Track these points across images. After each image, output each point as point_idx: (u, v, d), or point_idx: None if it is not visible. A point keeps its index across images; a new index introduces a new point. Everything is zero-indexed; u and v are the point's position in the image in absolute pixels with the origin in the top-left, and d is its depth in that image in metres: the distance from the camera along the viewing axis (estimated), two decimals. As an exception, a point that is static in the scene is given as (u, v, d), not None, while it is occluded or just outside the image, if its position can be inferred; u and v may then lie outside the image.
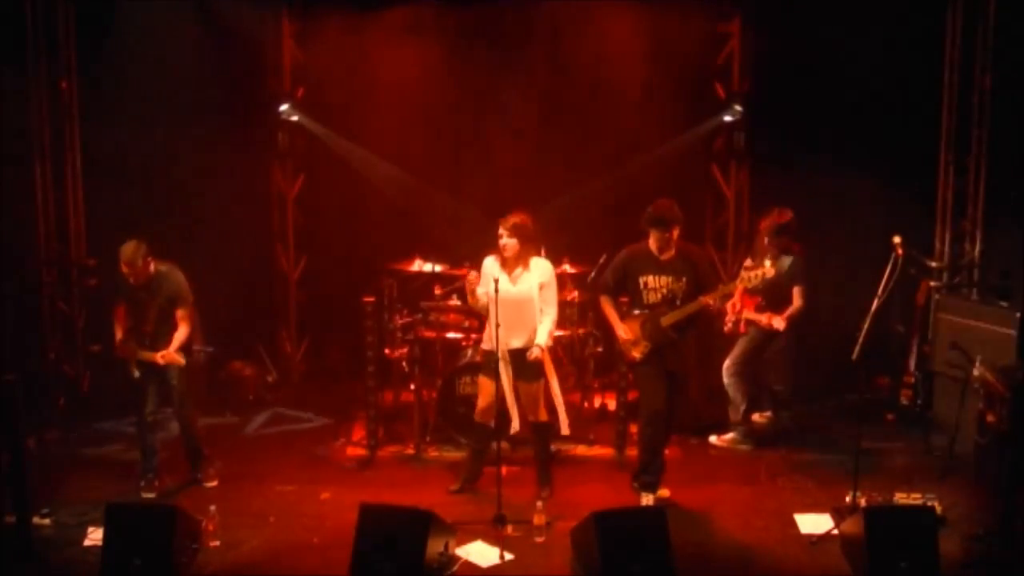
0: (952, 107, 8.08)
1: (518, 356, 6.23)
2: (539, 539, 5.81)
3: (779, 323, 7.17)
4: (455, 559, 5.57)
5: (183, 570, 5.35)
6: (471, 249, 6.44)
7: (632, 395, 7.08)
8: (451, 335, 7.49)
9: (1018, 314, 6.76)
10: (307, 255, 9.66)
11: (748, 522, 6.16)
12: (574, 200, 8.87)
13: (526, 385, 6.27)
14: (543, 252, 7.64)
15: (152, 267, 6.37)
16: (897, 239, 5.97)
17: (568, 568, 5.55)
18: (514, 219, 6.18)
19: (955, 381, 7.03)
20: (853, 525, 5.46)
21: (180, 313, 6.51)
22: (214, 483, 6.73)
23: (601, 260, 7.41)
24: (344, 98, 9.21)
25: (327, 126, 9.18)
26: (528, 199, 8.17)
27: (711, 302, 6.19)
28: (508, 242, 6.16)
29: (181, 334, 6.49)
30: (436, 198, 8.94)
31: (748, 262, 7.60)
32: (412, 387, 7.56)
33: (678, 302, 6.16)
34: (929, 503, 5.97)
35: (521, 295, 6.17)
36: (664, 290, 6.17)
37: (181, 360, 6.43)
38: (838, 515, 6.03)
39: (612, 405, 7.61)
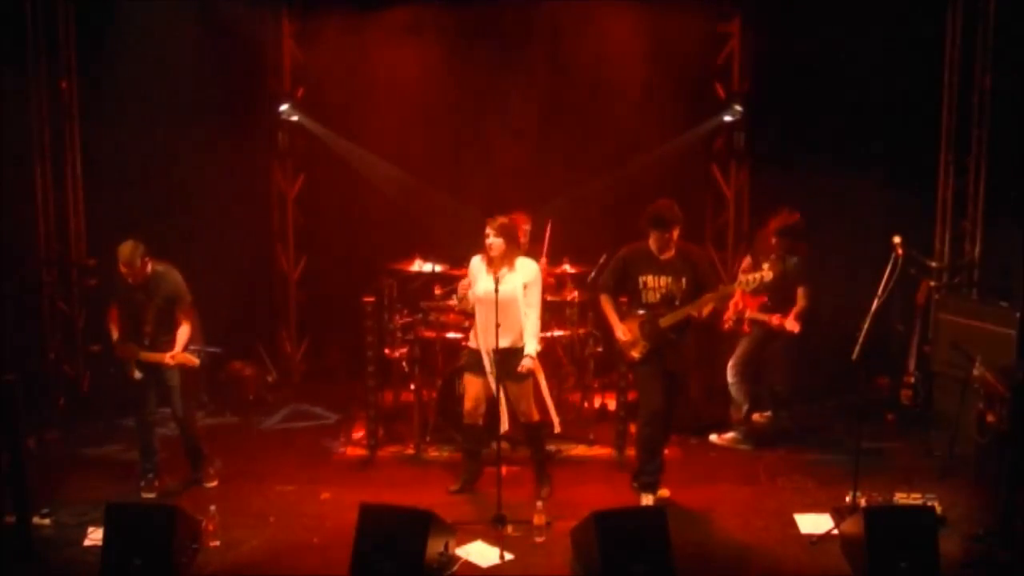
0: (952, 107, 8.08)
1: (503, 355, 6.22)
2: (539, 539, 5.81)
3: (792, 325, 7.18)
4: (455, 559, 5.57)
5: (183, 570, 5.35)
6: (471, 249, 6.43)
7: (632, 395, 7.08)
8: (451, 335, 7.49)
9: (1018, 314, 6.75)
10: (307, 255, 9.66)
11: (748, 522, 6.16)
12: (574, 200, 8.86)
13: (513, 384, 6.27)
14: (545, 252, 7.69)
15: (149, 267, 6.37)
16: (897, 239, 5.97)
17: (568, 568, 5.55)
18: (502, 219, 6.22)
19: (955, 381, 7.03)
20: (853, 525, 5.46)
21: (180, 313, 6.51)
22: (214, 483, 6.74)
23: (601, 260, 7.42)
24: (344, 98, 9.21)
25: (327, 126, 9.18)
26: (528, 199, 8.23)
27: (706, 312, 6.23)
28: (494, 241, 6.18)
29: (184, 334, 6.49)
30: (436, 198, 8.93)
31: (747, 261, 7.62)
32: (412, 387, 7.56)
33: (677, 302, 6.16)
34: (929, 503, 5.96)
35: (506, 295, 6.17)
36: (663, 290, 6.17)
37: (194, 360, 6.44)
38: (838, 515, 6.03)
39: (612, 405, 7.61)
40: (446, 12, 8.88)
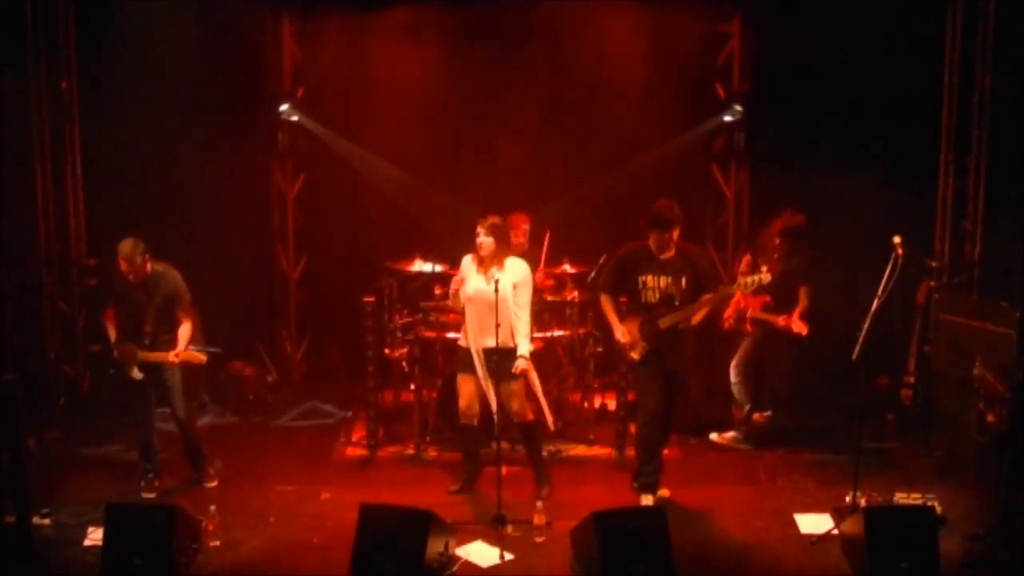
0: (952, 107, 8.07)
1: (492, 355, 6.23)
2: (539, 539, 5.81)
3: (800, 327, 7.18)
4: (455, 559, 5.57)
5: (183, 570, 5.35)
6: (471, 249, 6.44)
7: (632, 395, 7.08)
8: (451, 335, 7.47)
9: (1018, 314, 6.75)
10: (307, 255, 9.66)
11: (748, 522, 6.17)
12: (574, 200, 8.87)
13: (504, 384, 6.27)
14: (543, 259, 7.68)
15: (149, 266, 6.37)
16: (897, 239, 5.97)
17: (568, 568, 5.55)
18: (492, 219, 6.23)
19: (955, 381, 7.02)
20: (853, 525, 5.47)
21: (180, 312, 6.51)
22: (214, 483, 6.74)
23: (601, 260, 7.42)
24: (344, 98, 9.21)
25: (327, 126, 9.18)
26: (528, 199, 8.23)
27: (699, 317, 6.23)
28: (484, 241, 6.19)
29: (185, 332, 6.49)
30: (436, 198, 8.93)
31: (747, 259, 7.63)
32: (412, 387, 7.56)
33: (677, 302, 6.16)
34: (929, 503, 5.97)
35: (494, 294, 6.17)
36: (663, 290, 6.17)
37: (200, 356, 6.44)
38: (838, 515, 6.03)
39: (612, 405, 7.61)
40: (446, 12, 8.88)
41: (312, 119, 9.18)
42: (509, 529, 5.89)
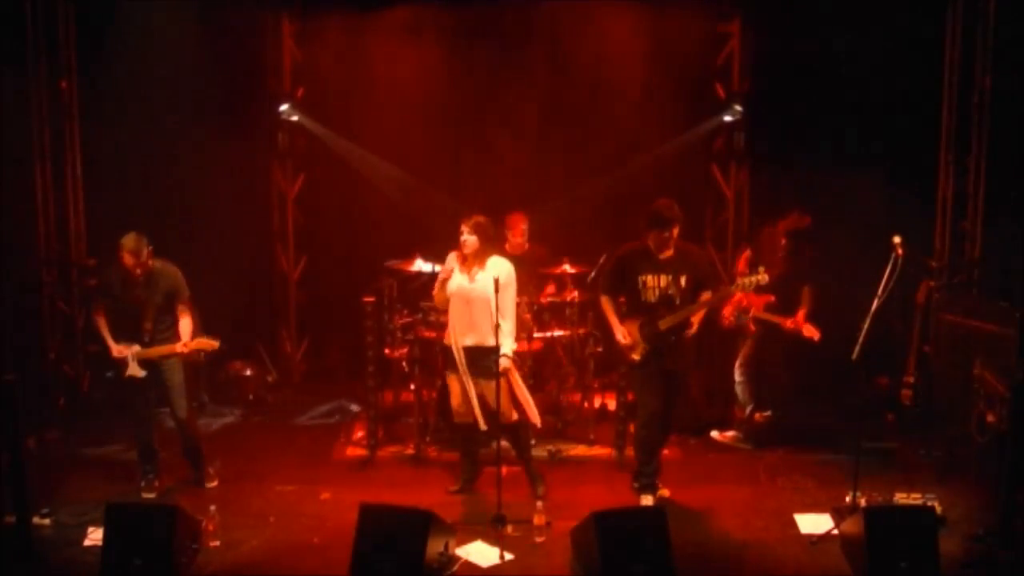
0: (952, 107, 8.07)
1: (471, 354, 6.24)
2: (539, 539, 5.81)
3: (811, 331, 7.17)
4: (455, 559, 5.57)
5: (183, 570, 5.35)
6: (457, 247, 6.45)
7: (632, 395, 7.07)
8: (451, 335, 7.48)
9: (1018, 314, 6.75)
10: (307, 255, 9.66)
11: (748, 522, 6.17)
12: (574, 200, 8.87)
13: (487, 383, 6.26)
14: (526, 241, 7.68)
15: (150, 262, 6.38)
16: (897, 239, 5.97)
17: (568, 568, 5.55)
18: (477, 218, 6.25)
19: (955, 381, 7.02)
20: (853, 525, 5.47)
21: (181, 307, 6.54)
22: (214, 483, 6.74)
23: (601, 260, 7.42)
24: (344, 98, 9.21)
25: (327, 126, 9.18)
26: (528, 199, 8.23)
27: (700, 317, 6.23)
28: (468, 239, 6.20)
29: (187, 325, 6.51)
30: (436, 198, 8.93)
31: (748, 255, 7.63)
32: (412, 387, 7.56)
33: (677, 301, 6.16)
34: (929, 503, 5.97)
35: (476, 293, 6.19)
36: (662, 289, 6.17)
37: (213, 343, 6.45)
38: (838, 515, 6.03)
39: (612, 405, 7.61)
40: (446, 12, 8.88)
41: (312, 119, 9.18)
42: (509, 529, 5.89)
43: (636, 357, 6.26)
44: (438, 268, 7.53)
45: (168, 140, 8.45)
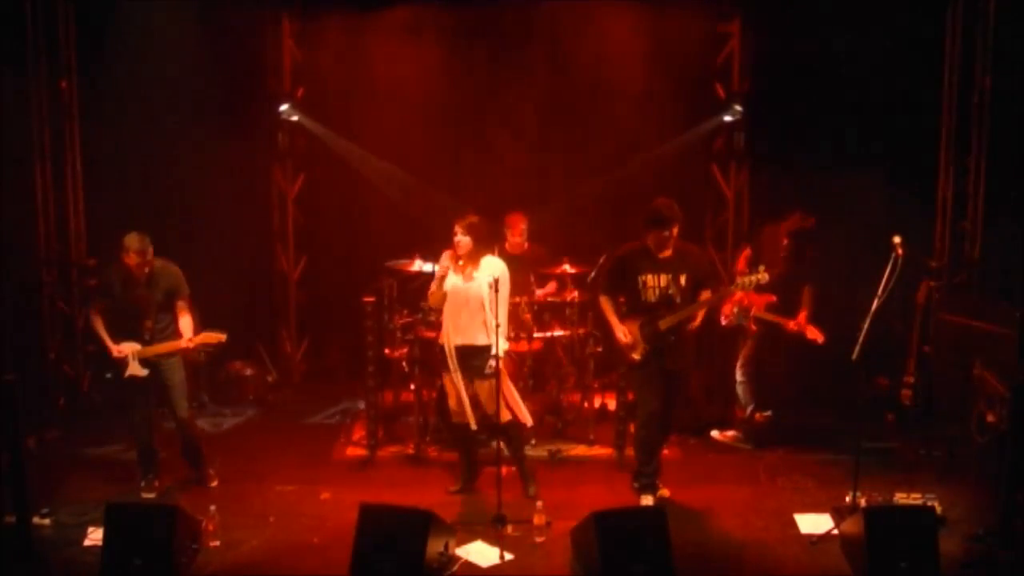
0: (952, 107, 8.08)
1: (463, 352, 6.26)
2: (539, 539, 5.81)
3: (815, 334, 7.17)
4: (455, 559, 5.57)
5: (183, 570, 5.35)
6: (451, 246, 6.45)
7: (632, 395, 7.07)
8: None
9: (1018, 314, 6.75)
10: (307, 255, 9.66)
11: (748, 522, 6.16)
12: (574, 200, 8.87)
13: (479, 383, 6.28)
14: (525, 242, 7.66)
15: (153, 261, 6.40)
16: (897, 239, 5.97)
17: (568, 568, 5.55)
18: (471, 218, 6.26)
19: (955, 381, 7.02)
20: (853, 525, 5.46)
21: (181, 304, 6.56)
22: (214, 483, 6.74)
23: (601, 260, 7.42)
24: (344, 98, 9.22)
25: (327, 126, 9.19)
26: (528, 199, 8.23)
27: (702, 313, 6.23)
28: (462, 240, 6.22)
29: (188, 323, 6.53)
30: (436, 198, 8.93)
31: (748, 253, 7.63)
32: (412, 387, 7.56)
33: (677, 300, 6.16)
34: (929, 503, 5.97)
35: (470, 293, 6.22)
36: (662, 288, 6.17)
37: (220, 336, 6.46)
38: (838, 515, 6.03)
39: (612, 405, 7.61)
40: (446, 12, 8.89)
41: (312, 119, 9.19)
42: (509, 529, 5.89)
43: (636, 357, 6.26)
44: (436, 268, 7.56)
45: (168, 140, 8.46)
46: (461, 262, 6.28)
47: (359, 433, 7.76)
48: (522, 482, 6.52)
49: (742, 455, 7.41)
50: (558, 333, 7.60)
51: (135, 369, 6.45)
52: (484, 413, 6.36)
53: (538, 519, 5.91)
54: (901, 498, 6.17)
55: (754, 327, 7.52)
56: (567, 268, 7.72)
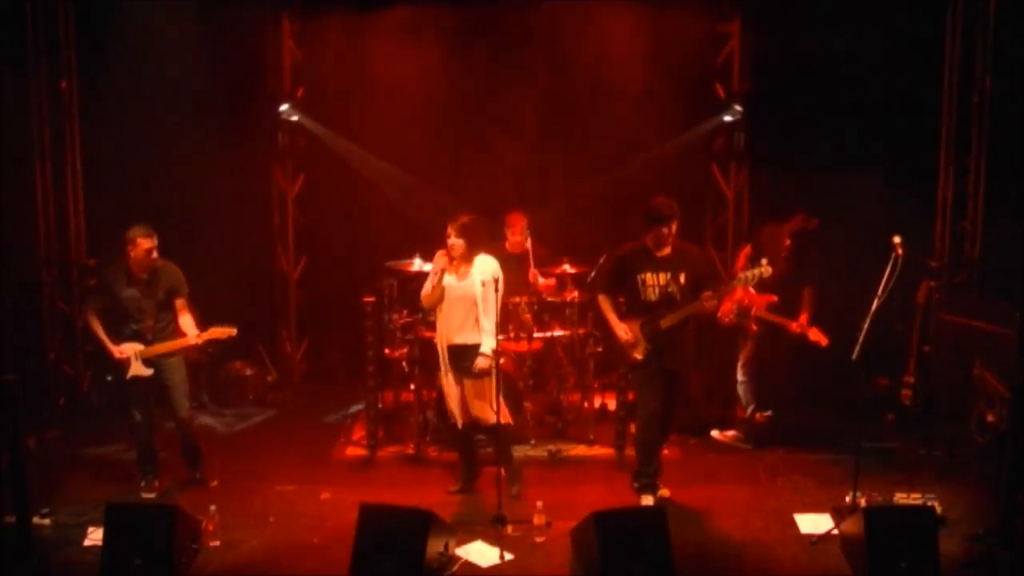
0: (952, 107, 8.08)
1: (456, 351, 6.28)
2: (539, 539, 5.81)
3: (818, 336, 7.16)
4: (455, 559, 5.57)
5: (183, 570, 5.35)
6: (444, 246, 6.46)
7: (632, 395, 7.07)
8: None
9: (1018, 314, 6.75)
10: (307, 255, 9.66)
11: (748, 522, 6.16)
12: (574, 200, 8.87)
13: (469, 382, 6.29)
14: (531, 262, 7.63)
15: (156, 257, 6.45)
16: (897, 239, 5.97)
17: (568, 568, 5.55)
18: (463, 219, 6.26)
19: (955, 381, 7.02)
20: (853, 525, 5.46)
21: (181, 303, 6.58)
22: (213, 483, 6.74)
23: (601, 260, 7.42)
24: (344, 98, 9.22)
25: (327, 126, 9.19)
26: (528, 199, 8.22)
27: (712, 303, 6.20)
28: (456, 242, 6.24)
29: (190, 321, 6.55)
30: (436, 198, 8.93)
31: (747, 250, 7.63)
32: (412, 387, 7.56)
33: (678, 298, 6.16)
34: (929, 503, 5.97)
35: (464, 292, 6.23)
36: (662, 287, 6.17)
37: (231, 330, 6.47)
38: (838, 515, 6.03)
39: (612, 405, 7.61)
40: (446, 12, 8.88)
41: (312, 119, 9.19)
42: (509, 529, 5.89)
43: (638, 356, 6.26)
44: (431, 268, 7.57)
45: (168, 140, 8.46)
46: (454, 262, 6.29)
47: (359, 433, 7.76)
48: (507, 481, 6.52)
49: (742, 455, 7.41)
50: (558, 333, 7.60)
51: (138, 369, 6.45)
52: (470, 413, 6.37)
53: (538, 519, 5.91)
54: (901, 498, 6.17)
55: (755, 327, 7.52)
56: (567, 268, 7.71)
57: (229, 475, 6.87)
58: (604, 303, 6.42)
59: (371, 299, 7.34)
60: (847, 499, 6.09)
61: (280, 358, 9.56)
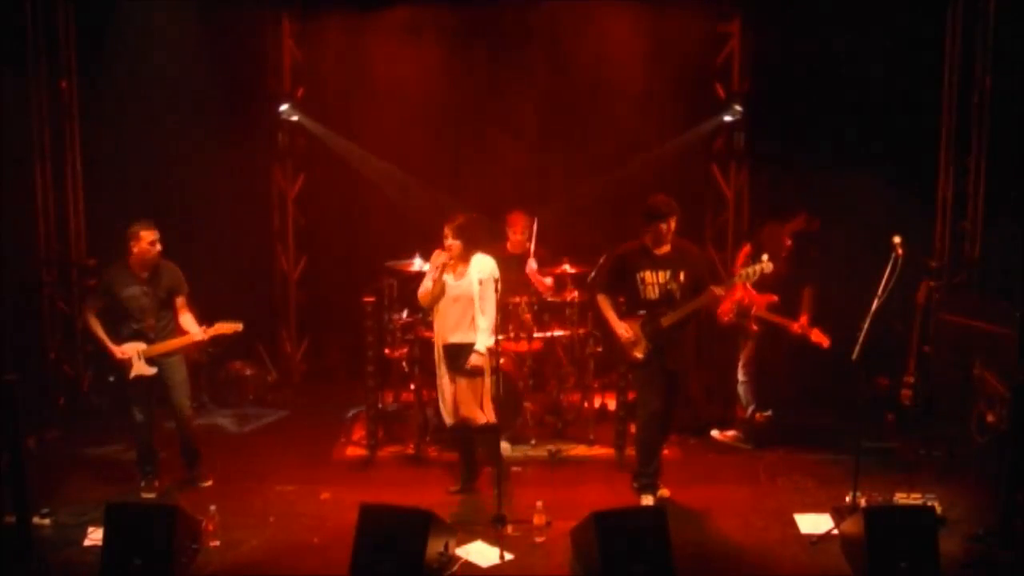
0: (952, 107, 8.08)
1: (455, 351, 6.29)
2: (539, 539, 5.81)
3: (820, 338, 7.16)
4: (455, 559, 5.57)
5: (183, 570, 5.35)
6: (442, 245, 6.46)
7: (632, 395, 7.08)
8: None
9: (1018, 314, 6.75)
10: (307, 255, 9.66)
11: (748, 522, 6.16)
12: (574, 200, 8.87)
13: (462, 380, 6.30)
14: (532, 252, 7.64)
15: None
16: (897, 239, 5.97)
17: (568, 568, 5.55)
18: (460, 220, 6.27)
19: (955, 381, 7.02)
20: (853, 525, 5.46)
21: (181, 301, 6.60)
22: (208, 483, 6.73)
23: (601, 260, 7.42)
24: (344, 98, 9.22)
25: (327, 126, 9.19)
26: (528, 199, 8.22)
27: (719, 293, 6.19)
28: (453, 244, 6.26)
29: (191, 319, 6.57)
30: (436, 198, 8.94)
31: (747, 249, 7.62)
32: (412, 387, 7.56)
33: (678, 296, 6.16)
34: (929, 503, 5.97)
35: (461, 291, 6.25)
36: (662, 285, 6.17)
37: (237, 325, 6.50)
38: (838, 515, 6.03)
39: (612, 405, 7.61)
40: (446, 12, 8.89)
41: (312, 119, 9.19)
42: (509, 529, 5.89)
43: (639, 355, 6.26)
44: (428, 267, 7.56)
45: (168, 140, 8.46)
46: (451, 262, 6.29)
47: (359, 433, 7.76)
48: (495, 481, 6.51)
49: (742, 455, 7.41)
50: (558, 333, 7.59)
51: (142, 369, 6.46)
52: (459, 412, 6.37)
53: (538, 519, 5.91)
54: (901, 498, 6.17)
55: (755, 327, 7.51)
56: (567, 268, 7.71)
57: (229, 475, 6.87)
58: (603, 302, 6.43)
59: (371, 299, 7.34)
60: (847, 499, 6.09)
61: (280, 358, 9.56)
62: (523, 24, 8.93)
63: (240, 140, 8.85)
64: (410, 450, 7.37)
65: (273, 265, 9.59)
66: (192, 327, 6.51)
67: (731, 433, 7.67)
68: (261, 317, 9.45)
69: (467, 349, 6.25)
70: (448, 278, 6.29)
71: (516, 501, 6.18)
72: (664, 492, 6.44)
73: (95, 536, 5.63)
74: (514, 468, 6.85)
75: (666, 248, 6.20)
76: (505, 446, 6.93)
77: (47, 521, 6.06)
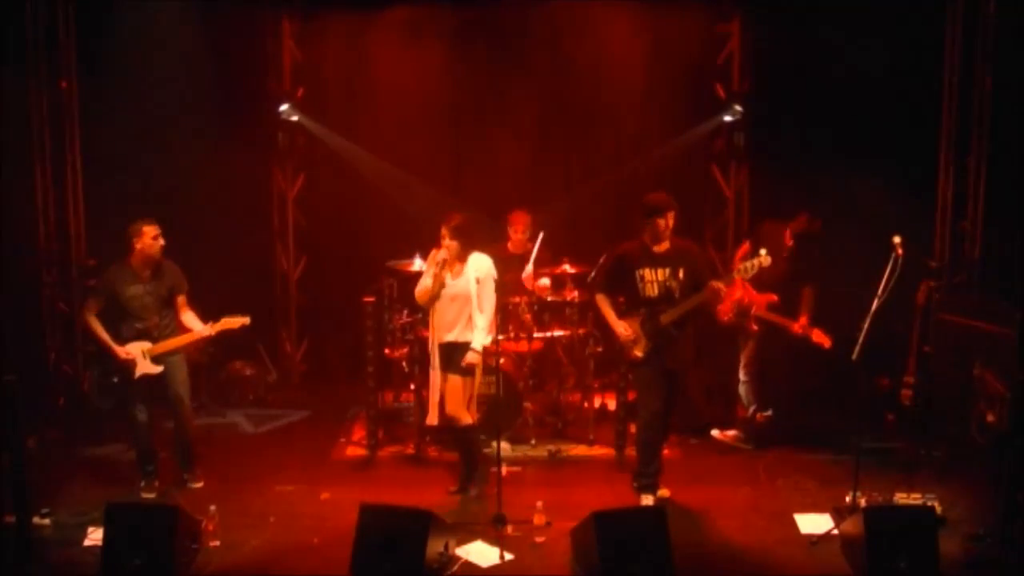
0: (952, 107, 8.07)
1: (450, 349, 6.31)
2: (539, 539, 5.82)
3: (821, 338, 7.15)
4: (455, 559, 5.57)
5: (183, 570, 5.35)
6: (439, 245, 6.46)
7: (632, 395, 7.08)
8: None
9: (1019, 314, 6.75)
10: (307, 255, 9.66)
11: (748, 522, 6.16)
12: (574, 200, 8.87)
13: (455, 378, 6.31)
14: (532, 261, 7.63)
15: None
16: (897, 239, 5.97)
17: (568, 568, 5.55)
18: (457, 220, 6.29)
19: (955, 381, 7.02)
20: (853, 525, 5.47)
21: (182, 299, 6.63)
22: (199, 484, 6.72)
23: (601, 260, 7.41)
24: (344, 98, 9.22)
25: (327, 126, 9.19)
26: (528, 199, 8.22)
27: (719, 287, 6.18)
28: (450, 244, 6.27)
29: (194, 316, 6.60)
30: (436, 198, 8.93)
31: (746, 247, 7.62)
32: (412, 387, 7.56)
33: (677, 293, 6.16)
34: (929, 503, 5.97)
35: (458, 290, 6.27)
36: (661, 282, 6.17)
37: (244, 319, 6.54)
38: (838, 515, 6.03)
39: (612, 405, 7.61)
40: (446, 12, 8.88)
41: (312, 119, 9.19)
42: (509, 529, 5.89)
43: (639, 354, 6.26)
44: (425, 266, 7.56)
45: (168, 140, 8.45)
46: (449, 261, 6.30)
47: (359, 433, 7.77)
48: (472, 482, 6.53)
49: (742, 455, 7.41)
50: (558, 333, 7.60)
51: (147, 367, 6.46)
52: (444, 411, 6.38)
53: (538, 519, 5.92)
54: (901, 498, 6.17)
55: (755, 327, 7.51)
56: (567, 268, 7.71)
57: (229, 475, 6.87)
58: (602, 301, 6.43)
59: (371, 299, 7.34)
60: (847, 499, 6.09)
61: (280, 358, 9.57)
62: (523, 24, 8.93)
63: (240, 140, 8.83)
64: (410, 450, 7.37)
65: (273, 265, 9.59)
66: (196, 324, 6.53)
67: (732, 433, 7.67)
68: (261, 317, 9.36)
69: (463, 347, 6.27)
70: (446, 277, 6.30)
71: (516, 501, 6.17)
72: (664, 492, 6.45)
73: (95, 536, 5.63)
74: (514, 468, 6.84)
75: (665, 245, 6.21)
76: (505, 446, 6.92)
77: (47, 521, 6.06)
